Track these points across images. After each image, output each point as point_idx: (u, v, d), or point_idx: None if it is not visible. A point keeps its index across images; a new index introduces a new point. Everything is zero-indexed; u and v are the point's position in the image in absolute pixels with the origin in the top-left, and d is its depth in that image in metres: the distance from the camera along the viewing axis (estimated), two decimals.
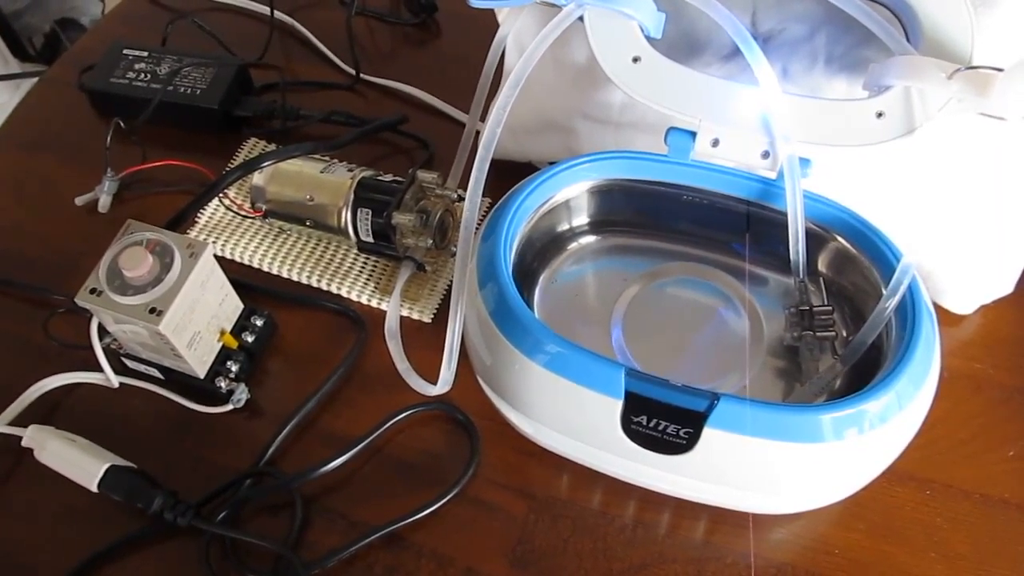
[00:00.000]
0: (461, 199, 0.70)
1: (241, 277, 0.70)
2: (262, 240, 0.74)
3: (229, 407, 0.65)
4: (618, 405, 0.50)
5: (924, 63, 0.52)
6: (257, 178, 0.71)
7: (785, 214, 0.58)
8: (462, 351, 0.57)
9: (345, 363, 0.67)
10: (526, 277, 0.62)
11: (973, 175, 0.60)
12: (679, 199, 0.61)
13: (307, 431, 0.65)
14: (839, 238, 0.59)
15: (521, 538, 0.60)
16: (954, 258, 0.65)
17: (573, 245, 0.65)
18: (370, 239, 0.69)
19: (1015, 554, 0.59)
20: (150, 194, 0.79)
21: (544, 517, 0.61)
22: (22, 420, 0.64)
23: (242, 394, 0.65)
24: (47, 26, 1.69)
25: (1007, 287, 0.68)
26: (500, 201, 0.59)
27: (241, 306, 0.68)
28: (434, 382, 0.58)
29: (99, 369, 0.65)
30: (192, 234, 0.75)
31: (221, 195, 0.73)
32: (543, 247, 0.64)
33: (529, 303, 0.62)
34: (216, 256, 0.72)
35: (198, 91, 0.81)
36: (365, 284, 0.72)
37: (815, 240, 0.59)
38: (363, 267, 0.73)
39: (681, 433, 0.50)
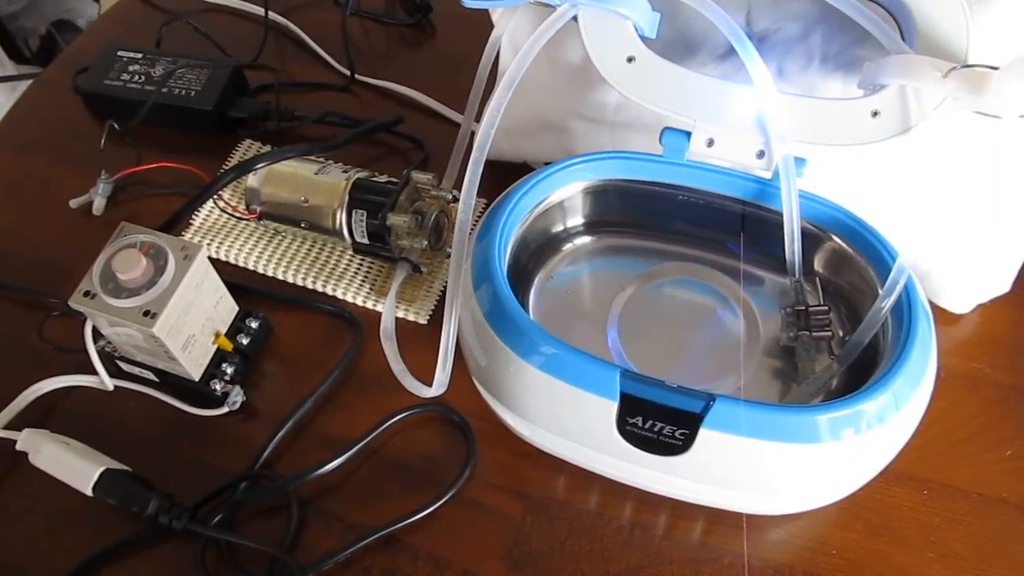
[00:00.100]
0: (456, 200, 0.70)
1: (236, 279, 0.70)
2: (257, 242, 0.74)
3: (224, 410, 0.65)
4: (613, 406, 0.50)
5: (919, 62, 0.52)
6: (252, 180, 0.71)
7: (781, 214, 0.58)
8: (457, 352, 0.57)
9: (341, 365, 0.67)
10: (521, 278, 0.62)
11: (969, 174, 0.60)
12: (674, 199, 0.61)
13: (303, 433, 0.65)
14: (835, 238, 0.59)
15: (517, 540, 0.60)
16: (951, 257, 0.65)
17: (568, 246, 0.65)
18: (365, 240, 0.69)
19: (1013, 553, 0.58)
20: (145, 196, 0.78)
21: (541, 519, 0.61)
22: (16, 424, 0.64)
23: (237, 396, 0.65)
24: (43, 28, 1.69)
25: (1004, 286, 0.68)
26: (495, 202, 0.59)
27: (236, 308, 0.67)
28: (430, 384, 0.58)
29: (94, 372, 0.65)
30: (187, 236, 0.74)
31: (216, 197, 0.73)
32: (538, 248, 0.63)
33: (524, 304, 0.62)
34: (211, 258, 0.71)
35: (193, 93, 0.80)
36: (360, 286, 0.72)
37: (811, 240, 0.59)
38: (358, 269, 0.73)
39: (677, 434, 0.49)
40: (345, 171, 0.71)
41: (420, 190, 0.69)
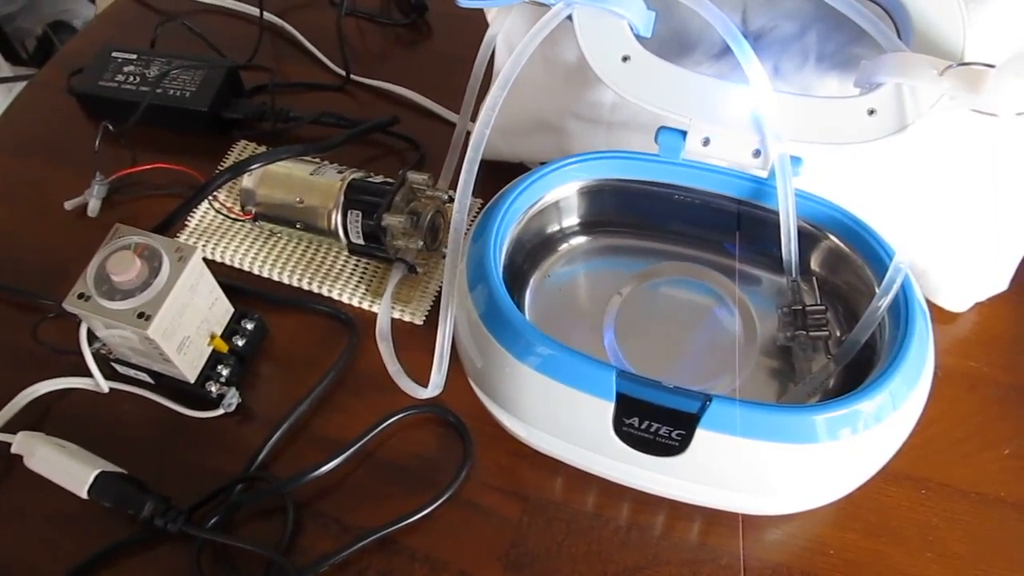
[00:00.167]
0: (452, 200, 0.69)
1: (231, 280, 0.70)
2: (252, 243, 0.74)
3: (220, 411, 0.65)
4: (610, 407, 0.50)
5: (915, 60, 0.52)
6: (247, 181, 0.71)
7: (777, 213, 0.57)
8: (454, 353, 0.57)
9: (337, 366, 0.67)
10: (517, 278, 0.62)
11: (966, 172, 0.60)
12: (670, 199, 0.61)
13: (299, 435, 0.65)
14: (832, 237, 0.59)
15: (515, 541, 0.60)
16: (948, 256, 0.65)
17: (564, 246, 0.65)
18: (361, 241, 0.69)
19: (1011, 553, 0.58)
20: (140, 197, 0.78)
21: (538, 520, 0.60)
22: (11, 426, 0.64)
23: (233, 398, 0.64)
24: (39, 29, 1.69)
25: (1002, 284, 0.68)
26: (490, 203, 0.59)
27: (231, 310, 0.67)
28: (426, 385, 0.58)
29: (89, 374, 0.64)
30: (182, 238, 0.74)
31: (211, 198, 0.72)
32: (534, 248, 0.63)
33: (520, 305, 0.61)
34: (206, 259, 0.71)
35: (187, 93, 0.80)
36: (356, 286, 0.71)
37: (807, 239, 0.59)
38: (354, 269, 0.72)
39: (673, 435, 0.49)
40: (340, 172, 0.71)
41: (416, 190, 0.69)
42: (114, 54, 0.84)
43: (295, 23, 0.91)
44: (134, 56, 0.84)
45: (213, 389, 0.64)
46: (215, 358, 0.66)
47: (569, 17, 0.57)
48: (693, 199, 0.61)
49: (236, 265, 0.73)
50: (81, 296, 0.59)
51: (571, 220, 0.65)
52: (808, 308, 0.58)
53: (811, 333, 0.57)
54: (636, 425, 0.50)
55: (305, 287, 0.72)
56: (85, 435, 0.63)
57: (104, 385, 0.65)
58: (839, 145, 0.55)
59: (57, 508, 0.61)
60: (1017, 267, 0.67)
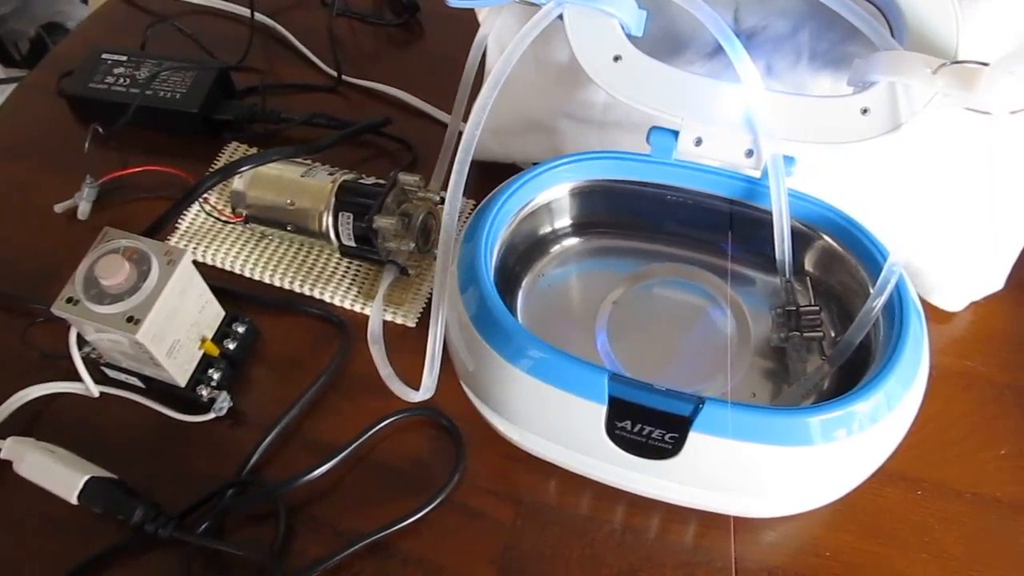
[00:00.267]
0: (444, 201, 0.69)
1: (223, 283, 0.69)
2: (244, 245, 0.73)
3: (211, 415, 0.64)
4: (602, 410, 0.49)
5: (909, 58, 0.52)
6: (237, 183, 0.70)
7: (771, 213, 0.57)
8: (447, 356, 0.56)
9: (329, 369, 0.66)
10: (509, 281, 0.61)
11: (960, 170, 0.59)
12: (663, 199, 0.61)
13: (291, 439, 0.64)
14: (825, 237, 0.58)
15: (508, 544, 0.59)
16: (943, 255, 0.64)
17: (556, 247, 0.65)
18: (352, 243, 0.68)
19: (1008, 554, 0.58)
20: (130, 200, 0.78)
21: (531, 523, 0.60)
22: (1, 432, 0.63)
23: (224, 402, 0.64)
24: (32, 31, 1.68)
25: (997, 283, 0.67)
26: (480, 204, 0.58)
27: (222, 313, 0.67)
28: (418, 388, 0.58)
29: (79, 379, 0.64)
30: (173, 240, 0.74)
31: (202, 200, 0.72)
32: (526, 250, 0.63)
33: (512, 307, 0.61)
34: (197, 262, 0.71)
35: (178, 95, 0.80)
36: (348, 289, 0.71)
37: (801, 239, 0.59)
38: (346, 272, 0.72)
39: (666, 438, 0.49)
40: (331, 173, 0.70)
41: (407, 192, 0.68)
42: (104, 56, 0.84)
43: (286, 24, 0.91)
44: (124, 58, 0.83)
45: (204, 393, 0.64)
46: (206, 362, 0.65)
47: (560, 17, 0.56)
48: (686, 199, 0.60)
49: (227, 268, 0.73)
50: (70, 300, 0.58)
51: (563, 221, 0.64)
52: (802, 309, 0.58)
53: (805, 334, 0.57)
54: (629, 428, 0.49)
55: (297, 290, 0.71)
56: (75, 440, 0.63)
57: (94, 389, 0.65)
58: (832, 144, 0.55)
59: (47, 514, 0.61)
60: (1013, 266, 0.67)
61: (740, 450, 0.48)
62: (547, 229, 0.64)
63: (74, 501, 0.59)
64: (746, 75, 0.54)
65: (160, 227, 0.71)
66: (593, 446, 0.51)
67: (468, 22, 0.65)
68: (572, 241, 0.65)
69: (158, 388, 0.65)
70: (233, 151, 0.80)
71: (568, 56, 0.62)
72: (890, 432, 0.51)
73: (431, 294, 0.69)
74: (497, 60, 0.56)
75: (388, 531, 0.59)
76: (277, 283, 0.72)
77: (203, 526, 0.59)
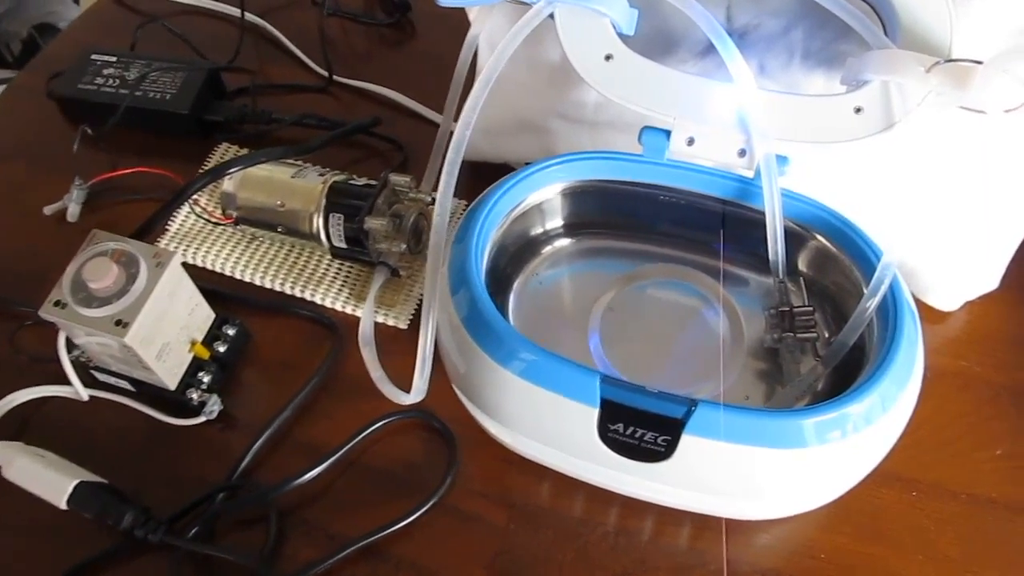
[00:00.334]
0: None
1: (213, 285, 0.69)
2: (234, 247, 0.73)
3: (202, 419, 0.64)
4: (594, 413, 0.49)
5: (902, 56, 0.51)
6: (227, 184, 0.70)
7: (764, 213, 0.57)
8: (437, 358, 0.56)
9: (320, 371, 0.66)
10: (500, 282, 0.61)
11: (955, 169, 0.59)
12: (656, 199, 0.60)
13: (282, 442, 0.64)
14: (819, 237, 0.58)
15: (501, 548, 0.59)
16: (938, 254, 0.64)
17: (548, 249, 0.64)
18: (343, 245, 0.68)
19: (1004, 555, 0.58)
20: (120, 202, 0.77)
21: (525, 526, 0.60)
22: None
23: (214, 405, 0.64)
24: (25, 31, 1.67)
25: (992, 282, 0.67)
26: (471, 205, 0.58)
27: (212, 315, 0.66)
28: (410, 390, 0.57)
29: (68, 383, 0.63)
30: (163, 242, 0.73)
31: (192, 202, 0.72)
32: (517, 251, 0.62)
33: (504, 309, 0.61)
34: (187, 264, 0.71)
35: (168, 96, 0.79)
36: (340, 290, 0.70)
37: (794, 239, 0.58)
38: (337, 273, 0.72)
39: (659, 440, 0.48)
40: (322, 174, 0.70)
41: (398, 193, 0.68)
42: (94, 56, 0.83)
43: (277, 24, 0.91)
44: (114, 58, 0.83)
45: (194, 396, 0.63)
46: (196, 365, 0.65)
47: (551, 16, 0.56)
48: (678, 200, 0.60)
49: (218, 270, 0.72)
50: (58, 304, 0.58)
51: (555, 222, 0.64)
52: (796, 309, 0.57)
53: (799, 335, 0.57)
54: (621, 431, 0.49)
55: (288, 291, 0.71)
56: (65, 444, 0.62)
57: (84, 393, 0.64)
58: (826, 144, 0.55)
59: (36, 519, 0.60)
60: (1008, 265, 0.66)
61: (734, 453, 0.47)
62: (539, 230, 0.64)
63: (63, 506, 0.58)
64: (738, 74, 0.54)
65: (149, 229, 0.70)
66: (585, 449, 0.51)
67: (460, 22, 0.65)
68: (564, 242, 0.64)
69: (148, 391, 0.65)
70: (224, 152, 0.80)
71: (560, 55, 0.61)
72: (885, 433, 0.51)
73: (423, 295, 0.69)
74: (488, 60, 0.56)
75: (380, 535, 0.58)
76: (268, 285, 0.71)
77: (193, 531, 0.59)
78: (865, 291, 0.53)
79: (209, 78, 0.81)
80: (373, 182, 0.69)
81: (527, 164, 0.60)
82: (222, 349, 0.66)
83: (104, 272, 0.57)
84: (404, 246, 0.66)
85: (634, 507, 0.59)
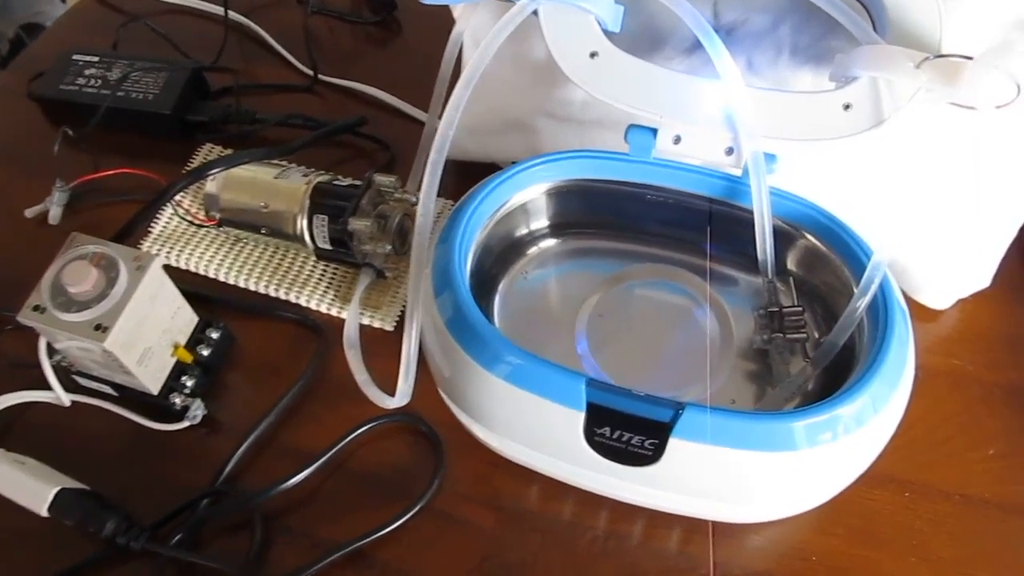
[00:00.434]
0: None
1: (196, 288, 0.68)
2: (218, 249, 0.72)
3: (185, 424, 0.63)
4: (580, 417, 0.48)
5: (891, 52, 0.51)
6: (210, 186, 0.69)
7: (752, 212, 0.56)
8: (422, 361, 0.55)
9: (306, 375, 0.65)
10: (485, 284, 0.60)
11: (946, 166, 0.58)
12: (643, 199, 0.60)
13: (267, 447, 0.63)
14: (808, 236, 0.57)
15: (490, 552, 0.58)
16: (929, 252, 0.64)
17: (533, 249, 0.63)
18: (328, 246, 0.67)
19: (998, 555, 0.57)
20: (103, 204, 0.76)
21: (513, 530, 0.59)
22: None
23: (198, 410, 0.63)
24: (11, 31, 1.66)
25: (984, 280, 0.67)
26: (455, 206, 0.57)
27: (196, 319, 0.65)
28: (395, 394, 0.56)
29: (49, 388, 0.63)
30: (146, 245, 0.72)
31: (175, 204, 0.71)
32: (502, 252, 0.62)
33: (489, 311, 0.60)
34: (170, 267, 0.70)
35: (151, 96, 0.78)
36: (325, 292, 0.70)
37: (783, 238, 0.58)
38: (322, 275, 0.71)
39: (646, 444, 0.48)
40: (306, 175, 0.69)
41: (383, 193, 0.67)
42: (75, 57, 0.82)
43: (262, 23, 0.90)
44: (96, 58, 0.82)
45: (177, 401, 0.63)
46: (179, 368, 0.64)
47: (535, 12, 0.55)
48: (666, 199, 0.59)
49: (201, 272, 0.71)
50: (36, 308, 0.57)
51: (540, 222, 0.63)
52: (785, 310, 0.56)
53: (788, 335, 0.56)
54: (608, 435, 0.48)
55: (272, 294, 0.70)
56: (47, 450, 0.61)
57: (65, 398, 0.64)
58: (814, 141, 0.54)
59: (16, 527, 0.59)
60: (1000, 263, 0.66)
61: (723, 456, 0.47)
62: (524, 231, 0.63)
63: (44, 513, 0.57)
64: (725, 71, 0.53)
65: (130, 232, 0.69)
66: (572, 453, 0.50)
67: (447, 20, 0.64)
68: (550, 242, 0.64)
69: (131, 396, 0.64)
70: (208, 153, 0.79)
71: (545, 53, 0.60)
72: (876, 435, 0.50)
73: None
74: (471, 57, 0.55)
75: (366, 540, 0.58)
76: (252, 287, 0.70)
77: (176, 537, 0.58)
78: (855, 290, 0.52)
79: (192, 78, 0.80)
80: (358, 183, 0.68)
81: (513, 163, 0.59)
82: (206, 353, 0.65)
83: (83, 276, 0.57)
84: (389, 247, 0.65)
85: (624, 510, 0.58)
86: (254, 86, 0.85)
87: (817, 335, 0.58)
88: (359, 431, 0.62)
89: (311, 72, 0.84)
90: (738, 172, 0.57)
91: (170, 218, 0.74)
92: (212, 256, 0.71)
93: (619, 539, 0.58)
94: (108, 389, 0.64)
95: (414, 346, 0.54)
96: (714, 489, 0.50)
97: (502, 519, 0.59)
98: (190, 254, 0.71)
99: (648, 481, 0.50)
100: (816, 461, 0.48)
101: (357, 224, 0.63)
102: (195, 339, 0.65)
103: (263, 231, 0.69)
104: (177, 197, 0.71)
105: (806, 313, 0.57)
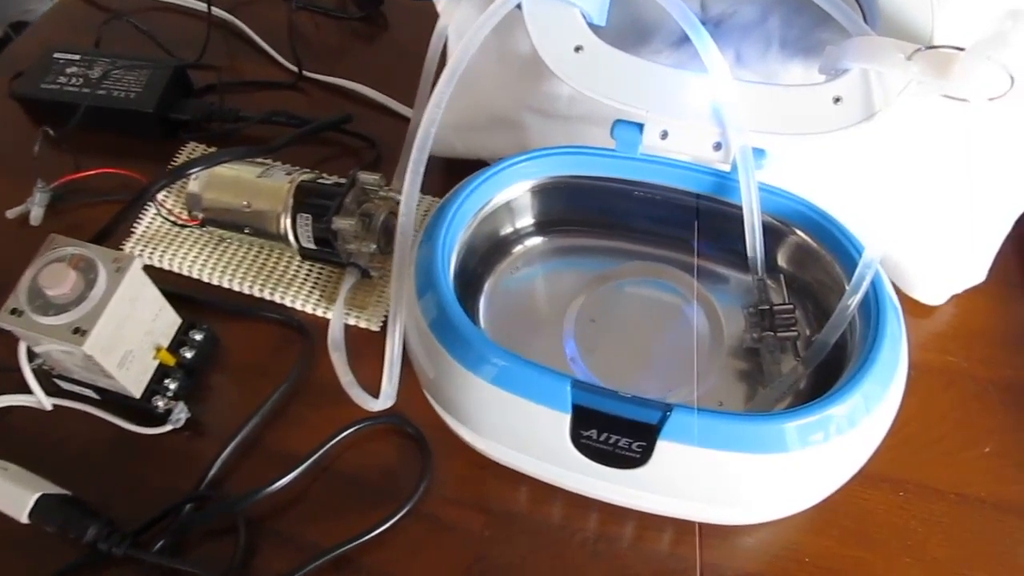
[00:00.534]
0: None
1: (180, 289, 0.67)
2: (202, 249, 0.71)
3: (168, 427, 0.62)
4: (566, 419, 0.47)
5: (882, 44, 0.50)
6: (193, 185, 0.68)
7: (742, 208, 0.55)
8: (407, 362, 0.54)
9: (291, 377, 0.64)
10: (470, 284, 0.59)
11: (938, 160, 0.58)
12: (630, 195, 0.59)
13: (252, 450, 0.62)
14: (798, 232, 0.57)
15: (478, 556, 0.57)
16: (922, 248, 0.63)
17: (519, 248, 0.62)
18: (312, 245, 0.66)
19: (993, 555, 0.56)
20: (85, 204, 0.75)
21: (502, 533, 0.58)
22: None
23: (181, 413, 0.62)
24: (0, 31, 1.65)
25: (979, 275, 0.66)
26: (438, 205, 0.56)
27: (179, 321, 0.64)
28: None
29: (30, 392, 0.61)
30: (128, 245, 0.71)
31: (158, 204, 0.70)
32: (487, 251, 0.61)
33: (474, 311, 0.59)
34: (153, 268, 0.69)
35: (132, 94, 0.77)
36: (310, 293, 0.69)
37: (773, 234, 0.57)
38: (307, 275, 0.70)
39: (634, 447, 0.47)
40: (289, 173, 0.68)
41: (368, 191, 0.66)
42: (56, 55, 0.81)
43: (246, 19, 0.89)
44: (77, 57, 0.81)
45: (160, 404, 0.62)
46: (162, 371, 0.63)
47: (519, 6, 0.54)
48: (653, 195, 0.58)
49: (185, 273, 0.70)
50: (14, 312, 0.56)
51: (525, 220, 0.62)
52: (776, 308, 0.56)
53: (779, 334, 0.55)
54: (595, 437, 0.47)
55: (257, 294, 0.69)
56: (28, 455, 0.60)
57: (46, 402, 0.63)
58: (804, 135, 0.53)
59: None
60: (995, 258, 0.65)
61: (712, 459, 0.46)
62: (508, 229, 0.62)
63: (25, 520, 0.56)
64: (713, 65, 0.52)
65: (110, 232, 0.68)
66: (559, 456, 0.49)
67: (434, 15, 0.64)
68: (536, 241, 0.63)
69: (113, 400, 0.63)
70: (192, 151, 0.78)
71: (530, 47, 0.60)
72: (869, 434, 0.49)
73: None
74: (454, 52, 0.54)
75: (353, 544, 0.57)
76: (236, 288, 0.69)
77: (159, 543, 0.57)
78: (847, 287, 0.52)
79: (175, 76, 0.79)
80: (343, 181, 0.67)
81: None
82: (189, 355, 0.64)
83: (61, 278, 0.56)
84: (374, 246, 0.65)
85: (613, 512, 0.57)
86: (238, 83, 0.84)
87: (808, 333, 0.58)
88: (345, 433, 0.61)
89: (296, 69, 0.83)
90: (727, 168, 0.56)
91: (153, 218, 0.73)
92: (196, 257, 0.70)
93: (609, 541, 0.57)
94: (90, 393, 0.63)
95: (398, 348, 0.53)
96: (704, 492, 0.49)
97: (490, 522, 0.58)
98: (173, 255, 0.70)
99: (636, 484, 0.49)
100: (808, 462, 0.47)
101: (341, 223, 0.62)
102: (178, 341, 0.64)
103: (247, 231, 0.68)
104: (160, 197, 0.70)
105: (797, 311, 0.57)
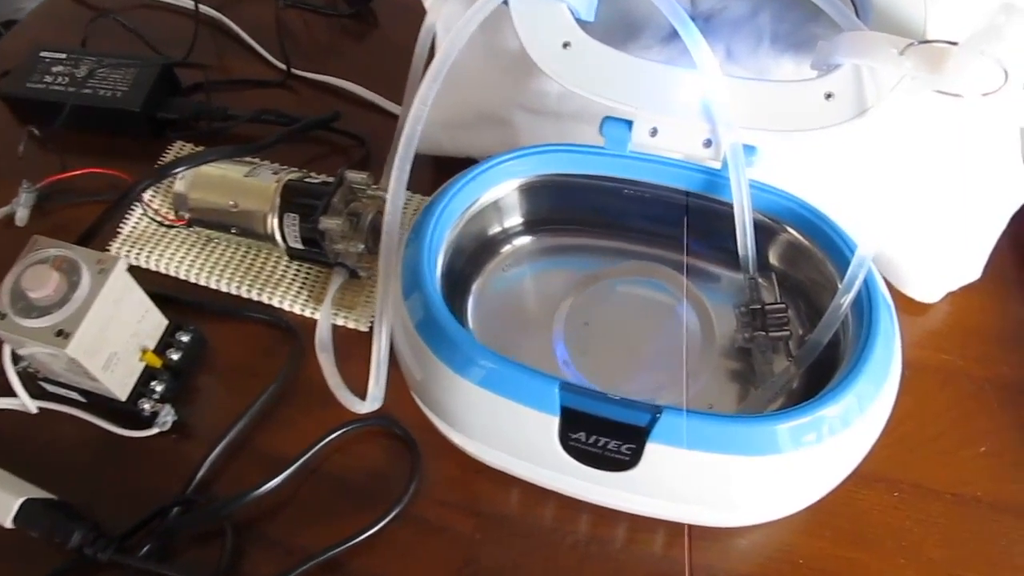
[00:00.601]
0: None
1: (166, 290, 0.67)
2: (188, 250, 0.70)
3: (155, 430, 0.61)
4: (555, 422, 0.47)
5: (874, 38, 0.49)
6: (179, 185, 0.68)
7: (732, 206, 0.54)
8: (395, 363, 0.54)
9: (279, 378, 0.63)
10: (458, 284, 0.59)
11: (932, 156, 0.57)
12: (619, 194, 0.58)
13: (240, 453, 0.61)
14: (790, 230, 0.56)
15: (468, 559, 0.57)
16: (917, 245, 0.62)
17: (507, 248, 0.62)
18: (299, 245, 0.65)
19: (989, 556, 0.56)
20: (72, 205, 0.74)
21: (492, 536, 0.57)
22: None
23: (168, 416, 0.61)
24: None
25: (974, 273, 0.65)
26: (425, 205, 0.55)
27: (165, 322, 0.64)
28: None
29: (14, 395, 0.61)
30: (115, 246, 0.71)
31: (145, 204, 0.69)
32: (475, 251, 0.60)
33: (462, 312, 0.58)
34: (140, 269, 0.69)
35: (119, 93, 0.76)
36: (298, 293, 0.68)
37: (765, 233, 0.56)
38: (295, 275, 0.69)
39: (623, 449, 0.46)
40: (276, 173, 0.67)
41: (355, 190, 0.65)
42: (43, 54, 0.80)
43: (234, 17, 0.88)
44: (63, 55, 0.80)
45: (146, 407, 0.61)
46: (148, 374, 0.62)
47: (506, 2, 0.53)
48: (643, 193, 0.58)
49: (172, 274, 0.70)
50: None
51: (513, 220, 0.61)
52: (767, 307, 0.55)
53: (771, 333, 0.54)
54: (583, 440, 0.47)
55: (244, 295, 0.68)
56: (13, 458, 0.60)
57: (32, 405, 0.62)
58: (795, 132, 0.52)
59: None
60: (990, 255, 0.65)
61: (703, 461, 0.45)
62: (496, 228, 0.61)
63: (9, 525, 0.56)
64: (702, 60, 0.51)
65: (96, 233, 0.67)
66: (548, 458, 0.48)
67: (424, 12, 0.63)
68: (524, 240, 0.62)
69: (99, 402, 0.62)
70: (179, 150, 0.77)
71: (518, 44, 0.59)
72: (863, 435, 0.49)
73: None
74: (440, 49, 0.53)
75: (342, 548, 0.56)
76: (224, 288, 0.69)
77: (146, 548, 0.56)
78: (839, 285, 0.51)
79: (162, 74, 0.78)
80: (330, 180, 0.66)
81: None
82: (176, 357, 0.63)
83: (44, 280, 0.55)
84: (362, 246, 0.64)
85: (605, 514, 0.57)
86: (226, 82, 0.83)
87: (801, 332, 0.57)
88: (333, 436, 0.61)
89: (284, 67, 0.83)
90: (717, 165, 0.55)
91: (139, 219, 0.72)
92: (182, 257, 0.70)
93: (601, 543, 0.57)
94: (76, 395, 0.63)
95: (384, 349, 0.52)
96: (695, 494, 0.48)
97: (481, 524, 0.58)
98: (160, 255, 0.70)
99: (626, 486, 0.48)
100: (801, 464, 0.47)
101: (328, 223, 0.62)
102: (165, 343, 0.64)
103: (233, 231, 0.67)
104: (147, 197, 0.70)
105: (789, 310, 0.56)
